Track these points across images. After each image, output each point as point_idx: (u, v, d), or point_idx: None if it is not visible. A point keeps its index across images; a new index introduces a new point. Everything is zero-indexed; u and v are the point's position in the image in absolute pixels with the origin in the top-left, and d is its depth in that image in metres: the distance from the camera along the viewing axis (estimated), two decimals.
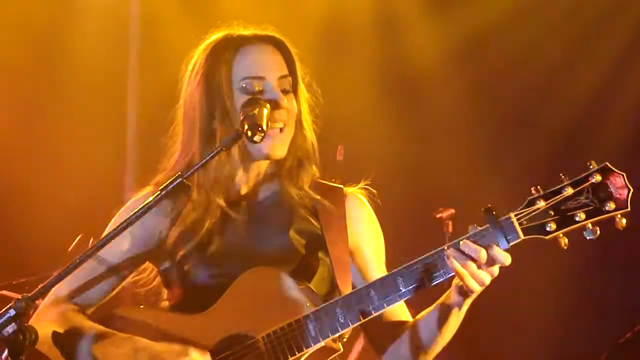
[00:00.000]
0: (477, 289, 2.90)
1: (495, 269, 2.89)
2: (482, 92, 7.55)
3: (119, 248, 3.21)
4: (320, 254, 3.19)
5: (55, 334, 3.08)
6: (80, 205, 7.07)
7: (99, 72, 7.56)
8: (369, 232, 3.32)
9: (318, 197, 3.26)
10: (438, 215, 6.77)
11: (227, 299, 3.06)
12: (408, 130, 7.61)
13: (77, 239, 6.29)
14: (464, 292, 2.93)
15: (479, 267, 2.86)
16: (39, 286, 2.82)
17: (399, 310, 3.21)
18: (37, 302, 2.81)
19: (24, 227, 7.21)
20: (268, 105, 3.12)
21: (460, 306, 2.99)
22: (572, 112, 7.41)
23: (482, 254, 2.84)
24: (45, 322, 3.10)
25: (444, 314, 3.03)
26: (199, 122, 3.22)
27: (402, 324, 3.21)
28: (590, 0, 7.36)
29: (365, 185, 3.34)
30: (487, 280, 2.89)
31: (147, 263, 3.31)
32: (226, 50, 3.23)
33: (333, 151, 6.38)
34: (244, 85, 3.18)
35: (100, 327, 3.10)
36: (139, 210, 2.93)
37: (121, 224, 2.93)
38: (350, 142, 6.51)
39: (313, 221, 3.23)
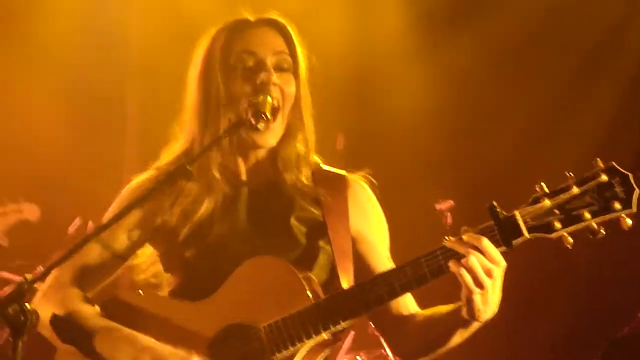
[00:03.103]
0: (475, 289, 2.82)
1: (494, 269, 2.81)
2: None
3: (120, 230, 3.20)
4: (321, 242, 3.18)
5: (58, 320, 3.08)
6: (78, 188, 7.07)
7: (99, 67, 7.62)
8: (371, 218, 3.29)
9: (319, 185, 3.24)
10: (437, 207, 6.77)
11: (228, 287, 3.05)
12: (407, 119, 7.62)
13: (76, 221, 6.30)
14: (468, 300, 2.86)
15: (481, 264, 2.80)
16: (39, 268, 2.83)
17: (406, 302, 3.20)
18: (38, 284, 2.83)
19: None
20: (280, 93, 3.13)
21: (466, 326, 2.97)
22: (558, 109, 7.51)
23: (485, 242, 2.79)
24: (48, 305, 3.10)
25: (449, 328, 3.02)
26: (197, 106, 3.24)
27: (410, 315, 3.19)
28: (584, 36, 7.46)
29: (367, 173, 3.32)
30: (486, 282, 2.81)
31: (146, 249, 3.30)
32: (227, 34, 3.23)
33: (332, 140, 6.38)
34: (235, 60, 3.18)
35: (105, 320, 3.08)
36: (141, 195, 2.93)
37: (123, 208, 2.94)
38: (350, 131, 6.52)
39: (314, 209, 3.21)
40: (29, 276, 2.72)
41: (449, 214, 6.79)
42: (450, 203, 6.77)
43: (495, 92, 7.52)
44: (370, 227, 3.27)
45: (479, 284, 2.82)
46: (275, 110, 3.14)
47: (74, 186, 7.20)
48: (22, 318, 2.64)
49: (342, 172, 3.33)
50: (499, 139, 7.50)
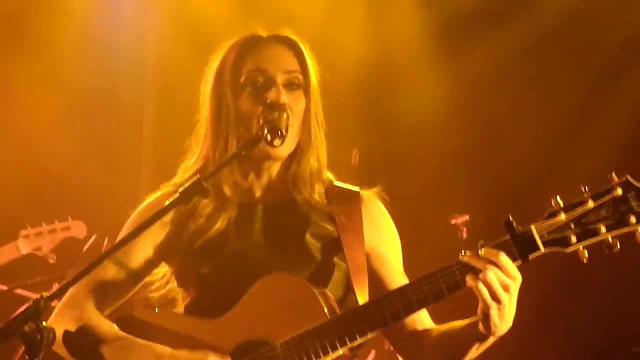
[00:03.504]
0: (492, 304, 2.83)
1: (511, 284, 2.82)
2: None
3: (136, 249, 3.20)
4: (336, 259, 3.18)
5: (73, 337, 3.08)
6: (94, 205, 7.11)
7: (118, 78, 7.69)
8: (385, 234, 3.29)
9: (333, 201, 3.25)
10: (453, 222, 6.78)
11: (244, 304, 3.05)
12: (423, 132, 7.63)
13: (92, 239, 6.32)
14: (485, 315, 2.86)
15: (498, 278, 2.81)
16: (55, 286, 2.83)
17: (422, 317, 3.20)
18: (54, 302, 2.82)
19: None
20: (289, 110, 3.13)
21: (482, 340, 2.97)
22: (572, 120, 7.49)
23: (502, 257, 2.80)
24: (63, 323, 3.09)
25: (466, 343, 3.01)
26: (208, 123, 3.25)
27: (425, 331, 3.19)
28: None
29: (380, 189, 3.33)
30: (504, 297, 2.81)
31: (161, 267, 3.31)
32: (237, 50, 3.25)
33: (349, 154, 6.40)
34: (246, 78, 3.19)
35: (121, 333, 3.09)
36: (157, 212, 2.93)
37: (139, 225, 2.94)
38: (366, 145, 6.53)
39: (328, 225, 3.22)
40: (45, 294, 2.71)
41: (464, 228, 6.80)
42: (465, 217, 6.78)
43: (512, 102, 7.52)
44: (384, 243, 3.28)
45: (496, 299, 2.83)
46: (288, 125, 3.14)
47: (90, 203, 7.23)
48: (39, 336, 2.63)
49: (356, 188, 3.34)
50: (516, 152, 7.50)
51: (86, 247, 6.41)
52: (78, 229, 6.68)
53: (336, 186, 3.32)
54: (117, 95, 7.68)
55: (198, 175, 2.97)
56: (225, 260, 3.15)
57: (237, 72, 3.22)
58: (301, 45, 3.27)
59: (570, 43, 7.50)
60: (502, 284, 2.82)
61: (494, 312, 2.85)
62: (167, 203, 2.93)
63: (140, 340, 3.06)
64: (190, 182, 2.94)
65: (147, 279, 3.30)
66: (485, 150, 7.59)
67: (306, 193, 3.23)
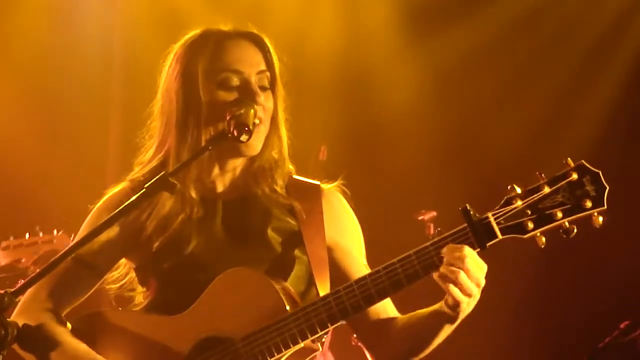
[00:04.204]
0: (464, 299, 2.85)
1: (481, 278, 2.85)
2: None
3: (97, 245, 3.17)
4: (297, 252, 3.17)
5: (31, 341, 3.05)
6: (61, 201, 7.05)
7: (84, 70, 7.65)
8: (347, 227, 3.29)
9: (293, 195, 3.24)
10: (420, 218, 6.77)
11: (204, 300, 3.04)
12: (388, 130, 7.63)
13: (58, 234, 6.28)
14: (454, 306, 2.88)
15: (466, 273, 2.82)
16: (20, 282, 2.81)
17: (386, 307, 3.18)
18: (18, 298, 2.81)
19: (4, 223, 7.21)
20: (255, 106, 3.13)
21: (452, 322, 2.97)
22: (544, 113, 7.49)
23: (467, 251, 2.81)
24: (21, 319, 3.04)
25: (434, 329, 3.02)
26: (175, 116, 3.21)
27: (390, 320, 3.18)
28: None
29: (341, 183, 3.33)
30: (474, 290, 2.84)
31: (121, 260, 3.28)
32: (205, 45, 3.22)
33: (316, 152, 6.39)
34: (222, 79, 3.18)
35: (69, 341, 3.07)
36: (121, 209, 2.91)
37: (103, 223, 2.91)
38: (334, 141, 6.52)
39: (289, 219, 3.21)
40: (9, 290, 2.70)
41: (431, 224, 6.79)
42: (432, 214, 6.77)
43: (485, 96, 7.51)
44: (345, 235, 3.27)
45: (468, 294, 2.85)
46: (256, 125, 3.13)
47: (54, 198, 7.18)
48: (3, 332, 2.64)
49: (316, 182, 3.33)
50: (486, 148, 7.49)
51: (53, 241, 6.36)
52: (61, 241, 6.62)
53: (296, 180, 3.32)
54: (83, 86, 7.62)
55: (161, 170, 2.95)
56: (186, 256, 3.14)
57: (211, 70, 3.18)
58: (267, 42, 3.27)
59: (547, 29, 7.48)
60: (475, 281, 2.84)
61: (464, 305, 2.88)
62: (133, 198, 2.91)
63: (84, 352, 3.04)
64: (152, 177, 2.92)
65: (108, 274, 3.27)
66: (456, 146, 7.59)
67: (267, 187, 3.23)
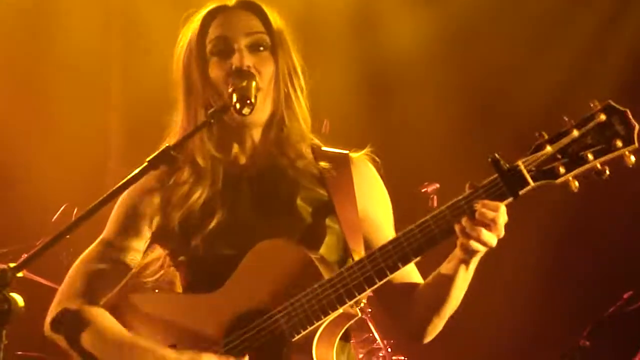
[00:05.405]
0: (482, 249, 2.86)
1: (501, 229, 2.82)
2: (464, 76, 7.57)
3: (130, 233, 3.17)
4: (328, 221, 3.14)
5: (74, 332, 3.05)
6: (63, 176, 7.04)
7: (84, 58, 7.63)
8: (377, 196, 3.26)
9: (322, 164, 3.21)
10: (423, 190, 6.76)
11: (238, 274, 3.02)
12: (392, 104, 7.61)
13: (61, 209, 6.25)
14: (469, 251, 2.87)
15: (495, 231, 2.81)
16: (23, 256, 2.77)
17: (410, 273, 3.17)
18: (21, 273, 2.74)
19: (8, 199, 7.24)
20: (257, 73, 3.11)
21: (467, 264, 2.94)
22: (548, 89, 7.45)
23: (498, 218, 2.79)
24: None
25: (451, 273, 2.96)
26: (181, 94, 3.23)
27: (414, 286, 3.15)
28: None
29: (369, 151, 3.30)
30: (494, 241, 2.83)
31: (154, 250, 3.26)
32: (204, 21, 3.23)
33: (319, 125, 6.37)
34: (211, 47, 3.18)
35: (121, 334, 3.06)
36: (122, 183, 2.85)
37: (107, 194, 2.85)
38: (335, 116, 6.48)
39: (319, 189, 3.19)
40: (12, 264, 2.66)
41: (435, 196, 6.78)
42: (436, 186, 6.76)
43: (494, 58, 7.49)
44: (375, 206, 3.25)
45: (486, 246, 2.85)
46: (257, 92, 3.10)
47: (58, 173, 7.15)
48: (6, 306, 2.60)
49: (344, 151, 3.30)
50: (493, 119, 7.48)
51: (55, 217, 6.33)
52: None
53: (324, 150, 3.29)
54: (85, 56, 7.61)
55: (167, 144, 2.92)
56: (213, 231, 3.12)
57: (202, 42, 3.20)
58: (265, 8, 3.24)
59: None
60: (497, 234, 2.82)
61: (480, 253, 2.88)
62: (135, 172, 2.86)
63: (142, 342, 3.02)
64: (159, 151, 2.89)
65: (142, 262, 3.25)
66: (460, 117, 7.57)
67: (292, 156, 3.20)
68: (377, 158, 3.30)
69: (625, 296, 5.54)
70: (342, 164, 3.23)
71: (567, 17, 7.47)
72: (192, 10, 3.29)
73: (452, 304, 3.06)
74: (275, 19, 3.24)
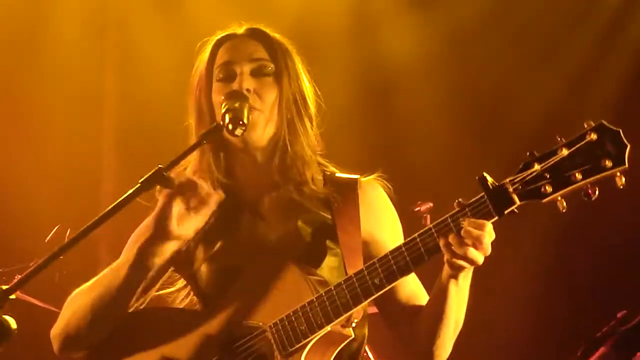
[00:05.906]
0: (468, 266, 2.87)
1: (488, 248, 2.82)
2: (461, 89, 7.57)
3: (144, 262, 3.10)
4: (329, 243, 3.16)
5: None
6: (56, 197, 7.06)
7: (76, 70, 7.62)
8: (384, 220, 3.27)
9: (330, 188, 3.23)
10: (416, 209, 6.73)
11: (234, 291, 3.07)
12: (386, 123, 7.62)
13: (55, 229, 6.24)
14: (455, 267, 2.88)
15: (481, 250, 2.81)
16: (17, 277, 2.77)
17: (417, 293, 3.19)
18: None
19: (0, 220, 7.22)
20: (256, 97, 3.14)
21: (456, 278, 2.93)
22: (548, 108, 7.42)
23: (483, 237, 2.79)
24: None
25: (443, 290, 2.98)
26: (193, 119, 3.27)
27: (421, 307, 3.16)
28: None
29: (379, 175, 3.30)
30: (480, 259, 2.83)
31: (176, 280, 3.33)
32: (214, 48, 3.28)
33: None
34: (217, 73, 3.22)
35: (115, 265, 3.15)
36: (115, 203, 2.86)
37: (100, 215, 2.84)
38: (326, 135, 6.50)
39: (323, 212, 3.20)
40: (4, 286, 2.67)
41: (428, 216, 6.76)
42: (429, 205, 6.74)
43: (491, 73, 7.48)
44: (382, 228, 3.25)
45: (473, 264, 2.86)
46: (252, 114, 3.12)
47: (52, 194, 7.16)
48: None
49: (355, 176, 3.30)
50: (489, 141, 7.46)
51: (48, 237, 6.31)
52: None
53: (336, 177, 3.30)
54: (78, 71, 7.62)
55: (159, 166, 2.93)
56: (214, 256, 3.18)
57: (210, 69, 3.24)
58: (271, 36, 3.28)
59: None
60: (484, 252, 2.83)
61: (468, 269, 2.90)
62: (128, 192, 2.87)
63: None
64: (151, 172, 2.90)
65: (170, 291, 3.31)
66: (453, 137, 7.56)
67: (298, 182, 3.21)
68: (389, 185, 3.30)
69: (618, 315, 5.52)
70: (350, 189, 3.23)
71: (568, 25, 7.45)
72: (205, 38, 3.34)
73: (450, 322, 3.05)
74: (282, 47, 3.27)
